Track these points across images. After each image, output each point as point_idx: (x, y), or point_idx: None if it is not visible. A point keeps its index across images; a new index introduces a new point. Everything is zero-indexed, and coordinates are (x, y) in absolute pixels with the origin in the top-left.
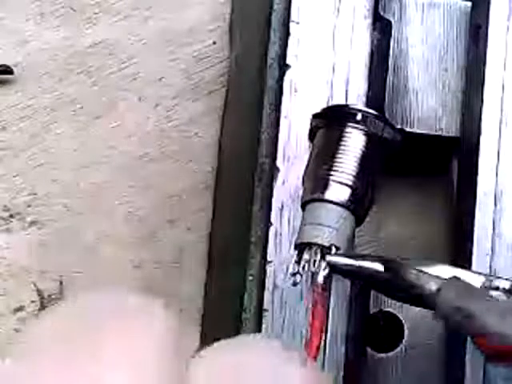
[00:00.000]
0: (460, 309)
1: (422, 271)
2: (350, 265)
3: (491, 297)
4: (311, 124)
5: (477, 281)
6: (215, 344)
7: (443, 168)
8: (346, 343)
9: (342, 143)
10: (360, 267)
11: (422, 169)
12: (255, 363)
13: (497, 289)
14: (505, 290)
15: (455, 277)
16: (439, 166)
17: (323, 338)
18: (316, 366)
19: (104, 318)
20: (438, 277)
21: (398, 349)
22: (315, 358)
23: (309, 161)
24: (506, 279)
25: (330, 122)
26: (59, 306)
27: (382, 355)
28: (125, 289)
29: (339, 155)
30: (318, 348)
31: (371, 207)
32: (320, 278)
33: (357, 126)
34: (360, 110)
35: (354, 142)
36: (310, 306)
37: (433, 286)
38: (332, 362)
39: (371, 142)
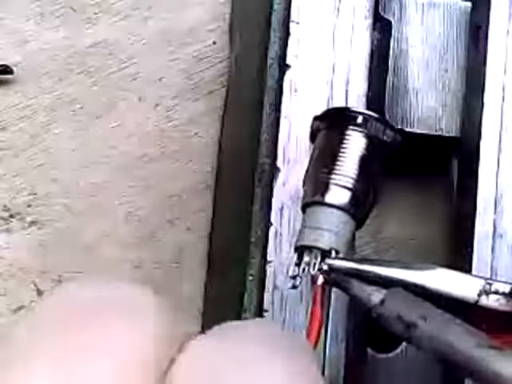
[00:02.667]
0: (402, 319)
1: (367, 283)
2: (351, 268)
3: (433, 306)
4: (312, 126)
5: (476, 284)
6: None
7: (443, 168)
8: (347, 343)
9: (343, 146)
10: (360, 271)
11: (422, 169)
12: (237, 356)
13: (496, 292)
14: (505, 294)
15: (398, 287)
16: (439, 166)
17: (321, 337)
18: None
19: (88, 312)
20: (380, 288)
21: (399, 349)
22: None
23: (309, 163)
24: (506, 283)
25: (330, 125)
26: (41, 302)
27: (383, 355)
28: (113, 280)
29: (340, 158)
30: (315, 347)
31: (372, 210)
32: (319, 281)
33: (357, 128)
34: (361, 113)
35: (355, 144)
36: (310, 304)
37: (376, 298)
38: (332, 362)
39: (372, 145)
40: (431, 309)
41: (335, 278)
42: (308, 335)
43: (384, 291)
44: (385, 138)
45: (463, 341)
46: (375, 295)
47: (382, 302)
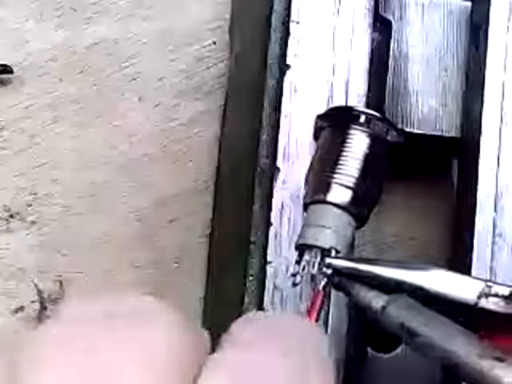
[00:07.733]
0: (404, 326)
1: (369, 288)
2: (350, 268)
3: (435, 314)
4: (316, 124)
5: (476, 286)
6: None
7: (443, 168)
8: (347, 343)
9: (346, 145)
10: (359, 270)
11: (422, 169)
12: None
13: (496, 295)
14: (504, 297)
15: (400, 293)
16: (439, 167)
17: None
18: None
19: (113, 323)
20: (382, 294)
21: (399, 349)
22: None
23: (312, 162)
24: (506, 285)
25: (333, 124)
26: (65, 308)
27: (383, 355)
28: (135, 292)
29: (342, 157)
30: None
31: (373, 210)
32: (321, 285)
33: (360, 128)
34: (364, 112)
35: (358, 144)
36: (308, 304)
37: (378, 304)
38: (332, 361)
39: (375, 145)
40: (434, 316)
41: (338, 282)
42: None
43: (386, 297)
44: (388, 137)
45: (466, 351)
46: (376, 301)
47: (384, 308)
